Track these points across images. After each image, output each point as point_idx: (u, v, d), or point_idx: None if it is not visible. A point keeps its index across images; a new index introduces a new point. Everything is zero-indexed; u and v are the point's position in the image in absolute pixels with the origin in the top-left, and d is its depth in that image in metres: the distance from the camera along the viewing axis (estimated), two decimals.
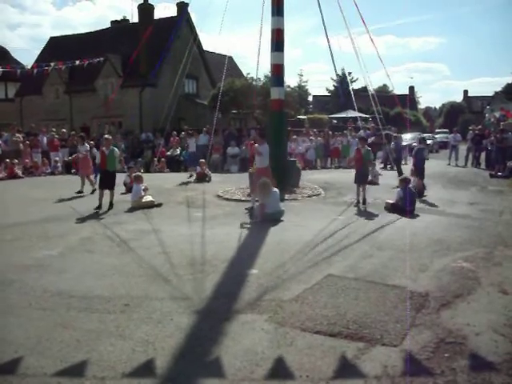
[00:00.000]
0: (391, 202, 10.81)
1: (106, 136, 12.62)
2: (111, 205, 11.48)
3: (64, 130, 24.05)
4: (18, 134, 21.72)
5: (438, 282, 5.90)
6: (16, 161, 19.60)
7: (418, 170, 13.25)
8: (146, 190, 12.22)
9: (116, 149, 12.10)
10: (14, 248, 7.83)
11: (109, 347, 4.26)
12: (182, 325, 4.74)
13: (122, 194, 13.67)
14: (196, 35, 30.41)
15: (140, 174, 13.37)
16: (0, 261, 7.09)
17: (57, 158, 21.29)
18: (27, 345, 4.34)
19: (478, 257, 6.99)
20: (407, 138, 30.79)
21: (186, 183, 16.18)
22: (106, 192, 11.54)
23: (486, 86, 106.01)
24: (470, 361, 3.95)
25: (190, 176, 17.47)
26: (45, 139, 22.19)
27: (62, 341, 4.40)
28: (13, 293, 5.74)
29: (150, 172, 21.02)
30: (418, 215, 10.16)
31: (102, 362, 4.01)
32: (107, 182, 11.51)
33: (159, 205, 11.78)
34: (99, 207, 11.21)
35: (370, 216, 10.09)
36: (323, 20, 15.20)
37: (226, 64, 18.38)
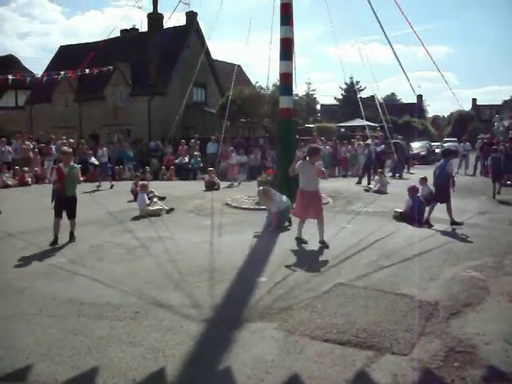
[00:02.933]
0: (400, 210, 10.79)
1: (65, 149, 10.08)
2: (72, 236, 9.02)
3: (72, 140, 24.12)
4: (27, 142, 21.89)
5: (447, 291, 5.88)
6: (26, 168, 19.75)
7: (495, 177, 14.70)
8: (151, 198, 12.19)
9: (77, 166, 9.43)
10: (24, 255, 7.88)
11: (119, 354, 4.28)
12: (192, 332, 4.76)
13: (130, 201, 13.76)
14: (206, 46, 30.60)
15: (146, 183, 13.21)
16: (11, 268, 7.16)
17: None
18: (38, 351, 4.37)
19: (488, 266, 6.96)
20: (416, 146, 30.84)
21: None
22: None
23: (494, 94, 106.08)
24: (480, 370, 3.94)
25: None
26: (53, 147, 22.32)
27: (72, 347, 4.43)
28: (24, 300, 5.78)
29: (158, 180, 21.12)
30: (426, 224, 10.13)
31: (112, 368, 4.03)
32: (69, 209, 8.95)
33: (171, 210, 11.84)
34: (55, 242, 8.70)
35: (378, 225, 10.07)
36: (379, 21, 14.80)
37: (235, 72, 18.43)
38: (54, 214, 8.88)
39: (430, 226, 9.98)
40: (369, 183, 18.27)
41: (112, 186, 18.08)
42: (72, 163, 9.20)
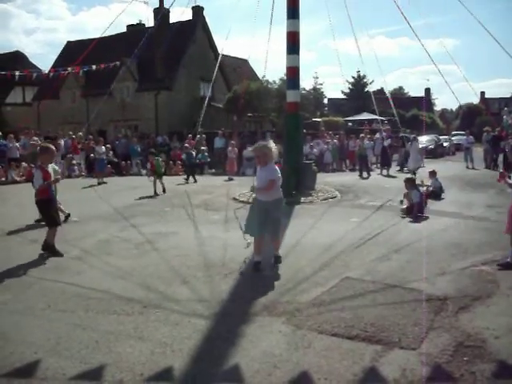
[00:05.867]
0: (407, 204, 10.74)
1: (49, 145, 8.30)
2: (54, 250, 7.64)
3: (80, 134, 24.22)
4: (35, 138, 21.95)
5: (456, 285, 5.84)
6: (33, 165, 19.81)
7: None
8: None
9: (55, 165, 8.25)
10: (32, 250, 7.88)
11: (127, 349, 4.29)
12: (200, 327, 4.76)
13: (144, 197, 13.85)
14: (212, 40, 30.56)
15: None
16: (19, 263, 7.16)
17: (74, 161, 21.51)
18: (46, 346, 4.38)
19: (497, 260, 6.90)
20: (423, 140, 30.70)
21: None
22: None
23: (502, 87, 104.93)
24: (489, 365, 3.91)
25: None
26: (62, 142, 22.36)
27: (80, 342, 4.43)
28: (32, 295, 5.80)
29: (165, 175, 21.12)
30: (435, 218, 10.07)
31: (120, 363, 4.03)
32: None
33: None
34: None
35: (386, 219, 10.02)
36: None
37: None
38: (57, 223, 7.95)
39: None
40: (361, 174, 19.25)
41: (99, 184, 18.02)
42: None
